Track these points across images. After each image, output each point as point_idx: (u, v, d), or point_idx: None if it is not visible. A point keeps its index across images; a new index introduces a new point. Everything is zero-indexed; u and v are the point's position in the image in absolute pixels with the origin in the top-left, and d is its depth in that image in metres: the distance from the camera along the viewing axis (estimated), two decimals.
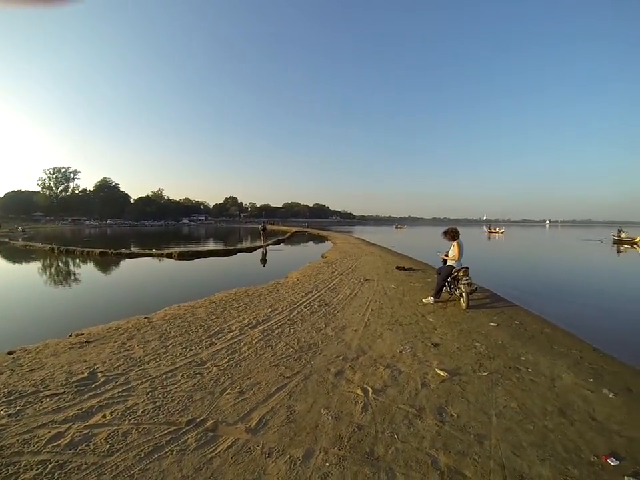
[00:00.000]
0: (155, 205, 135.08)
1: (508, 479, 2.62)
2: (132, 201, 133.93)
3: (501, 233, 56.34)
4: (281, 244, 30.18)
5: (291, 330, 5.73)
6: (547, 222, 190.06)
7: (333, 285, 9.70)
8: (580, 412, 3.64)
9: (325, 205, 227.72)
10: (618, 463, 2.90)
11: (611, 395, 4.06)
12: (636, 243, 34.76)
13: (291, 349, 4.93)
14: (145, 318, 6.63)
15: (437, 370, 4.34)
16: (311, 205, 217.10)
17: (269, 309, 7.02)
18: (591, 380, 4.44)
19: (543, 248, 31.93)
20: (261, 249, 23.76)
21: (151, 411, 3.48)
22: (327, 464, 2.75)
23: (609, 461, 2.90)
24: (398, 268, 13.09)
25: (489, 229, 60.45)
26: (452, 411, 3.47)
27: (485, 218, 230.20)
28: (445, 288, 7.96)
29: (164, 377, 4.20)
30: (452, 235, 7.60)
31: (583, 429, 3.35)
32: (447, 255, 7.84)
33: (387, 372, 4.27)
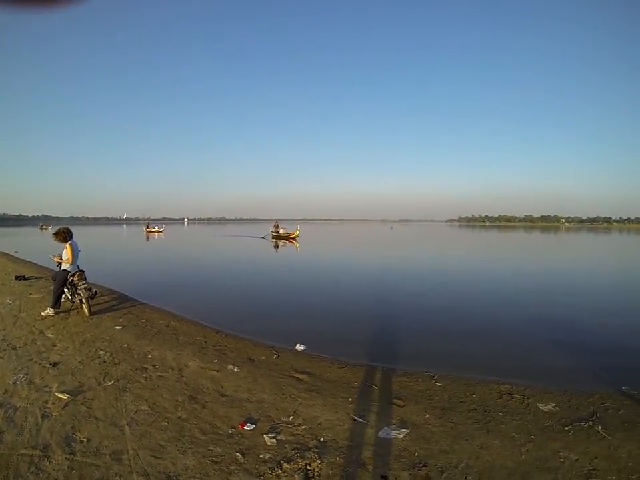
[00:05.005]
0: None
1: None
2: None
3: (161, 232, 54.15)
4: None
5: None
6: (186, 220, 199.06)
7: None
8: (210, 393, 3.85)
9: None
10: (254, 426, 3.15)
11: (235, 369, 4.49)
12: (294, 238, 36.04)
13: None
14: None
15: (57, 394, 3.73)
16: None
17: None
18: (216, 361, 4.80)
19: (205, 245, 32.64)
20: None
21: None
22: None
23: (245, 427, 3.11)
24: (17, 278, 11.24)
25: (148, 227, 56.83)
26: (81, 437, 3.01)
27: (125, 216, 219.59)
28: (64, 295, 7.11)
29: None
30: (63, 235, 6.87)
31: (215, 407, 3.53)
32: (60, 258, 6.70)
33: (0, 413, 3.38)
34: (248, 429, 3.10)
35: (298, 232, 37.21)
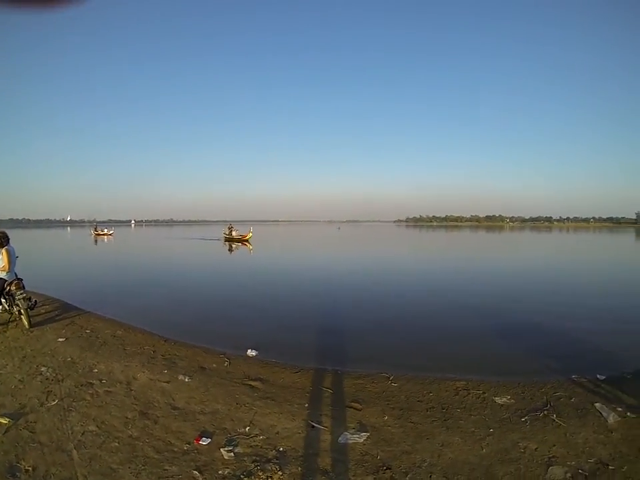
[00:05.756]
0: None
1: None
2: None
3: (110, 235, 50.91)
4: None
5: None
6: (133, 222, 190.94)
7: None
8: (161, 407, 3.63)
9: None
10: (210, 440, 2.99)
11: (187, 380, 4.28)
12: (247, 240, 35.63)
13: None
14: None
15: None
16: None
17: None
18: (166, 371, 4.57)
19: (159, 248, 31.47)
20: None
21: None
22: None
23: (201, 442, 2.94)
24: None
25: (96, 230, 52.90)
26: (26, 465, 2.74)
27: (69, 219, 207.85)
28: (1, 306, 6.72)
29: None
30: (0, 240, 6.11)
31: (168, 422, 3.33)
32: None
33: None
34: (204, 443, 2.94)
35: (251, 234, 36.98)
